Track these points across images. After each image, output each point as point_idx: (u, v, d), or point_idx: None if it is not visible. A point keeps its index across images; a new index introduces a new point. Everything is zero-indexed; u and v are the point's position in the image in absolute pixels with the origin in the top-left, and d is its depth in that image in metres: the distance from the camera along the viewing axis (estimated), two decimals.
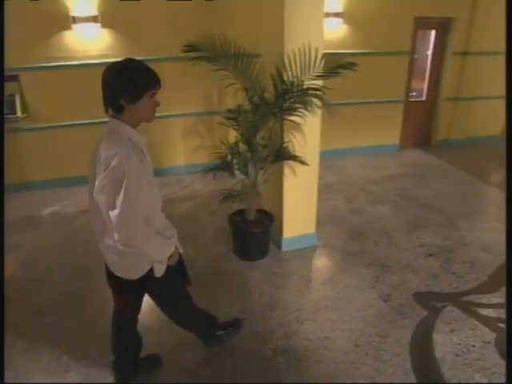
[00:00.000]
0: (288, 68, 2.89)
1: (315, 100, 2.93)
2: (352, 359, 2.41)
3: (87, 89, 4.85)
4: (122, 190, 1.47)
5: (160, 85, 1.61)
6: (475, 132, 7.23)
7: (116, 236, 1.56)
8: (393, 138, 6.68)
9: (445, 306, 2.81)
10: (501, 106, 7.33)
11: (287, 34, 2.88)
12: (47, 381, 2.30)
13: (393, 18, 5.90)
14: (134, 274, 1.77)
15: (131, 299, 1.96)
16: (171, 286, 1.96)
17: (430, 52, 6.71)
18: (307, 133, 3.20)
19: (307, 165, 3.16)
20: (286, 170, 3.28)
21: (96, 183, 1.53)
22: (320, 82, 3.00)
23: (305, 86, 2.87)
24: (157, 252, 1.75)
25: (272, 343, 2.53)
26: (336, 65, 2.82)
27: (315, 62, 2.83)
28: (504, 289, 3.14)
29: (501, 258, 3.56)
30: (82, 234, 3.97)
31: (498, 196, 5.09)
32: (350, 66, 2.77)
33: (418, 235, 3.92)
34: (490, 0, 6.34)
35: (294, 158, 3.11)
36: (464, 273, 3.32)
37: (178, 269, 1.96)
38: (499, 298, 2.90)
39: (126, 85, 1.53)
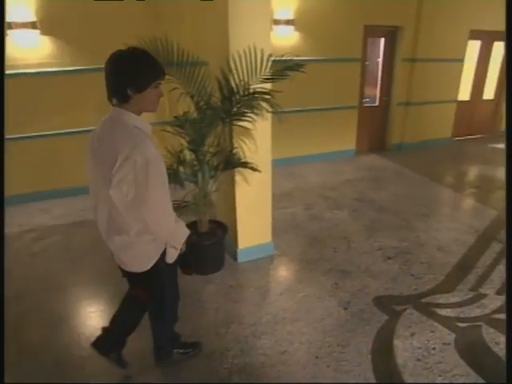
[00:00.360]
0: (234, 71, 2.78)
1: (264, 104, 2.85)
2: (312, 373, 2.28)
3: (30, 99, 4.58)
4: (149, 178, 1.49)
5: (165, 75, 1.63)
6: (427, 135, 7.44)
7: (145, 224, 1.61)
8: (349, 143, 6.74)
9: (405, 310, 2.75)
10: (449, 109, 7.62)
11: (232, 35, 2.77)
12: None
13: (343, 26, 5.99)
14: (146, 264, 1.78)
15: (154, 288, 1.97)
16: (173, 279, 2.03)
17: (380, 59, 6.86)
18: (258, 139, 3.09)
19: (259, 171, 3.04)
20: (238, 178, 3.14)
21: (115, 176, 1.51)
22: (268, 86, 2.92)
23: (252, 90, 2.77)
24: (181, 234, 1.81)
25: (227, 362, 2.36)
26: (283, 67, 2.74)
27: (262, 64, 2.74)
28: (461, 287, 3.14)
29: (456, 256, 3.59)
30: (23, 256, 3.65)
31: (451, 196, 5.20)
32: (297, 67, 2.69)
33: (376, 238, 3.88)
34: (433, 10, 6.59)
35: (244, 164, 2.98)
36: (422, 274, 3.30)
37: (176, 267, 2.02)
38: (457, 296, 2.88)
39: (134, 74, 1.52)
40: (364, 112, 6.82)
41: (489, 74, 8.22)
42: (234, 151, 3.02)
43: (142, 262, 1.78)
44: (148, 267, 1.79)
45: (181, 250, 1.88)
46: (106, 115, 1.65)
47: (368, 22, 6.22)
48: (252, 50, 2.71)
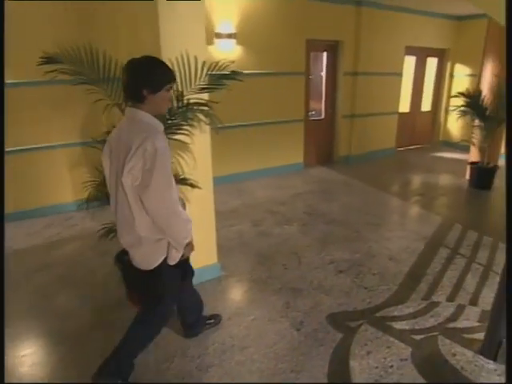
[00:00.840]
0: None
1: (201, 116, 2.66)
2: None
3: None
4: (155, 165, 1.62)
5: (175, 80, 1.85)
6: (373, 146, 7.60)
7: (154, 218, 1.73)
8: (297, 157, 6.70)
9: (359, 326, 2.61)
10: (392, 121, 7.85)
11: (164, 42, 2.57)
12: None
13: (286, 40, 6.00)
14: (151, 263, 1.88)
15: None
16: (173, 283, 2.06)
17: (323, 73, 6.94)
18: (197, 153, 2.88)
19: (199, 188, 2.83)
20: None
21: (127, 165, 1.64)
22: (206, 96, 2.74)
23: (187, 101, 2.58)
24: (181, 230, 1.85)
25: None
26: (219, 75, 2.58)
27: (196, 72, 2.57)
28: (415, 296, 3.08)
29: (407, 264, 3.55)
30: None
31: (399, 205, 5.25)
32: (234, 75, 2.54)
33: (327, 252, 3.77)
34: (370, 26, 6.80)
35: (182, 181, 2.76)
36: (375, 285, 3.20)
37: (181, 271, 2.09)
38: (411, 307, 2.79)
39: (150, 77, 1.72)
40: (310, 125, 6.84)
41: (425, 87, 8.60)
42: (171, 167, 2.79)
43: (149, 260, 1.89)
44: (153, 266, 1.89)
45: (183, 255, 1.96)
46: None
47: (310, 36, 6.29)
48: (185, 57, 2.53)
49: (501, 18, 1.60)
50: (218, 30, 5.41)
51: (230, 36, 5.48)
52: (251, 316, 2.80)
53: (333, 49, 6.83)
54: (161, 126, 1.83)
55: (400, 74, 7.74)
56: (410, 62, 8.08)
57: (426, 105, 8.79)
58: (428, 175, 6.64)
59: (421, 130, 8.84)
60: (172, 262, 1.92)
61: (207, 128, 2.83)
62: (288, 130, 6.42)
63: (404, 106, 8.24)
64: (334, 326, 2.70)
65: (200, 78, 2.58)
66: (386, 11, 7.03)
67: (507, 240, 1.82)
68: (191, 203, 2.95)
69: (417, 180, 6.49)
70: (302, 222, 4.51)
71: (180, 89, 2.58)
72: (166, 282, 2.00)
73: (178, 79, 2.57)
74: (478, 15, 7.76)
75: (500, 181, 6.03)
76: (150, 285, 2.00)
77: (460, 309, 2.75)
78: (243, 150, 5.97)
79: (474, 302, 3.06)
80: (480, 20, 7.74)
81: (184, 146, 2.78)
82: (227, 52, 5.49)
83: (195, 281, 3.17)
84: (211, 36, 5.35)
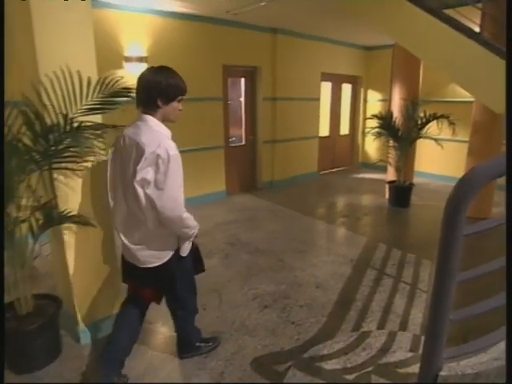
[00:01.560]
0: (47, 101, 2.17)
1: (95, 141, 2.27)
2: None
3: None
4: (168, 171, 1.78)
5: (186, 92, 1.98)
6: (295, 171, 7.57)
7: (164, 218, 1.84)
8: (219, 185, 6.41)
9: (287, 369, 2.31)
10: (313, 145, 7.94)
11: (41, 52, 2.16)
12: None
13: (201, 65, 5.79)
14: (163, 257, 2.00)
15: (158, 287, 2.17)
16: (188, 269, 2.20)
17: (242, 98, 6.83)
18: (90, 184, 2.46)
19: (93, 226, 2.39)
20: (68, 237, 2.44)
21: (141, 168, 1.77)
22: (99, 119, 2.37)
23: (76, 123, 2.18)
24: (193, 227, 2.00)
25: None
26: (109, 93, 2.23)
27: (82, 90, 2.19)
28: (345, 326, 2.88)
29: (335, 291, 3.36)
30: None
31: (324, 228, 5.15)
32: (125, 92, 2.21)
33: (251, 285, 3.46)
34: (286, 53, 6.89)
35: (73, 219, 2.31)
36: (303, 319, 2.95)
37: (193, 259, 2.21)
38: (341, 342, 2.55)
39: (166, 89, 1.87)
40: (231, 152, 6.63)
41: (342, 112, 8.90)
42: (58, 202, 2.34)
43: (159, 255, 2.00)
44: (164, 260, 2.01)
45: (193, 243, 2.15)
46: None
47: (227, 61, 6.17)
48: (67, 73, 2.16)
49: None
50: (127, 53, 5.06)
51: (140, 59, 5.14)
52: (164, 371, 2.37)
53: (251, 74, 6.78)
54: (169, 132, 1.95)
55: (318, 99, 7.91)
56: (326, 88, 8.31)
57: (344, 128, 9.08)
58: (351, 196, 6.72)
59: (341, 153, 9.08)
60: (184, 253, 2.08)
61: (104, 155, 2.44)
62: (208, 157, 6.15)
63: (324, 130, 8.42)
64: (260, 372, 2.38)
65: (87, 97, 2.22)
66: (302, 39, 7.18)
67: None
68: (88, 244, 2.50)
69: (340, 202, 6.52)
70: (223, 253, 4.19)
71: (64, 110, 2.18)
72: (179, 274, 2.13)
73: (60, 98, 2.19)
74: (384, 46, 8.26)
75: (417, 198, 6.25)
76: (160, 280, 2.11)
77: (391, 337, 2.57)
78: None
79: (404, 325, 2.94)
80: (386, 50, 8.25)
81: (74, 176, 2.36)
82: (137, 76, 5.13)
83: (98, 335, 2.70)
84: (120, 59, 5.00)
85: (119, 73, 4.84)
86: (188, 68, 5.68)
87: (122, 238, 2.01)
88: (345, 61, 8.41)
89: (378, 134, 6.01)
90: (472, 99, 5.56)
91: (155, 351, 2.59)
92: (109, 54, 4.80)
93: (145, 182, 1.79)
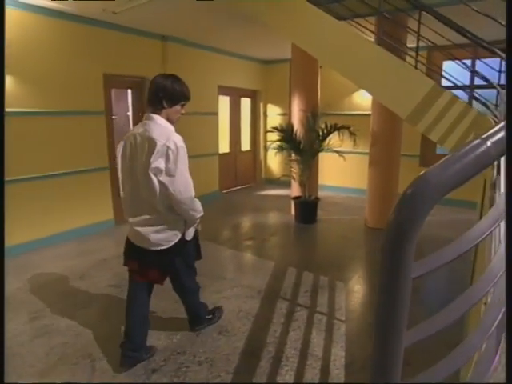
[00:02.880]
0: None
1: None
2: None
3: None
4: (178, 160, 2.10)
5: (189, 99, 2.35)
6: (196, 191, 6.89)
7: (177, 200, 2.15)
8: (105, 213, 5.46)
9: None
10: (213, 162, 7.40)
11: None
12: None
13: (75, 72, 4.88)
14: (172, 240, 2.29)
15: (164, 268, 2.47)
16: (191, 253, 2.54)
17: (130, 113, 6.04)
18: None
19: None
20: None
21: (154, 158, 2.07)
22: None
23: None
24: (200, 211, 2.32)
25: None
26: None
27: None
28: (256, 380, 2.27)
29: (242, 336, 2.76)
30: None
31: (229, 254, 4.55)
32: None
33: None
34: (179, 62, 6.31)
35: None
36: (203, 379, 2.30)
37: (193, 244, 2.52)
38: None
39: (172, 92, 2.22)
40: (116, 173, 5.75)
41: (242, 127, 8.53)
42: None
43: (169, 237, 2.28)
44: (172, 243, 2.29)
45: (196, 231, 2.45)
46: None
47: (108, 70, 5.35)
48: None
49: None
50: None
51: None
52: None
53: (139, 86, 6.02)
54: (173, 128, 2.26)
55: (216, 114, 7.43)
56: (224, 102, 7.88)
57: (246, 144, 8.71)
58: (256, 215, 6.26)
59: (243, 170, 8.66)
60: (189, 237, 2.38)
61: None
62: (91, 181, 5.21)
63: (224, 147, 7.93)
64: None
65: None
66: (195, 49, 6.66)
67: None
68: None
69: (245, 222, 6.02)
70: (105, 300, 3.34)
71: None
72: (185, 256, 2.47)
73: None
74: (282, 60, 8.14)
75: (323, 212, 6.02)
76: (170, 260, 2.40)
77: None
78: (31, 211, 4.50)
79: (325, 370, 2.46)
80: (283, 64, 8.13)
81: None
82: None
83: None
84: None
85: None
86: (62, 75, 4.79)
87: (134, 223, 2.27)
88: (243, 74, 8.09)
89: (280, 148, 5.69)
90: (369, 112, 5.52)
91: None
92: None
93: (157, 171, 2.08)
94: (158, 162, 2.07)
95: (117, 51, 5.41)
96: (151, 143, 2.09)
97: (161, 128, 2.15)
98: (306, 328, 2.93)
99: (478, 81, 3.60)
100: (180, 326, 2.90)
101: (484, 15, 2.65)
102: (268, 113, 8.91)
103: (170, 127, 2.22)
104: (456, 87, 3.12)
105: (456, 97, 2.71)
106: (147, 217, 2.23)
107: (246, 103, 8.61)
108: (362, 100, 7.23)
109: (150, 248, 2.27)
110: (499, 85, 3.30)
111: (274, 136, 5.77)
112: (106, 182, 5.44)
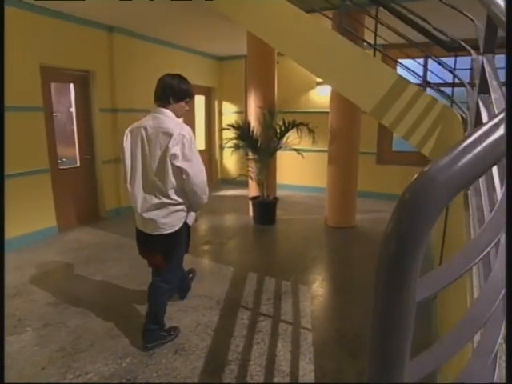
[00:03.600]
0: None
1: None
2: None
3: None
4: (192, 147, 2.36)
5: (193, 97, 2.77)
6: None
7: (193, 183, 2.37)
8: (46, 219, 4.94)
9: None
10: None
11: None
12: None
13: (10, 64, 4.34)
14: (177, 225, 2.49)
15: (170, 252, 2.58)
16: (185, 241, 2.68)
17: (73, 109, 5.54)
18: None
19: None
20: None
21: (172, 146, 2.30)
22: None
23: None
24: (207, 195, 2.51)
25: None
26: None
27: None
28: None
29: (201, 354, 2.47)
30: None
31: (185, 261, 4.22)
32: None
33: (78, 368, 2.35)
34: (128, 56, 5.89)
35: None
36: None
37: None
38: None
39: (178, 91, 2.44)
40: (62, 176, 5.23)
41: (197, 126, 8.19)
42: None
43: (175, 222, 2.48)
44: (178, 227, 2.49)
45: (197, 214, 2.67)
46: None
47: (46, 61, 4.84)
48: None
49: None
50: None
51: None
52: None
53: (83, 80, 5.54)
54: (180, 119, 2.53)
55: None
56: None
57: (200, 143, 8.38)
58: (213, 217, 5.97)
59: None
60: (192, 222, 2.62)
61: None
62: (29, 184, 4.67)
63: None
64: None
65: None
66: (146, 42, 6.25)
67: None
68: None
69: (201, 225, 5.70)
70: (42, 321, 2.90)
71: None
72: (183, 239, 2.63)
73: None
74: (237, 56, 7.87)
75: (282, 212, 5.84)
76: (172, 245, 2.55)
77: None
78: None
79: None
80: (239, 60, 7.89)
81: None
82: None
83: None
84: None
85: None
86: None
87: (143, 210, 2.45)
88: (196, 71, 7.75)
89: (236, 147, 5.44)
90: (327, 110, 5.40)
91: None
92: None
93: (174, 157, 2.31)
94: (175, 149, 2.30)
95: (56, 41, 4.91)
96: (167, 133, 2.32)
97: (172, 120, 2.41)
98: (270, 340, 2.71)
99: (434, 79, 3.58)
100: (130, 346, 2.57)
101: (452, 8, 2.54)
102: (223, 111, 8.63)
103: (179, 120, 2.48)
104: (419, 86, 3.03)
105: (422, 90, 2.59)
106: (157, 201, 2.41)
107: (200, 101, 8.28)
108: (320, 97, 7.15)
109: (156, 233, 2.46)
110: (453, 83, 3.26)
111: (229, 134, 5.51)
112: (46, 186, 4.92)
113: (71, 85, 5.47)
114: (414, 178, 0.57)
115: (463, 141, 0.63)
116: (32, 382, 2.25)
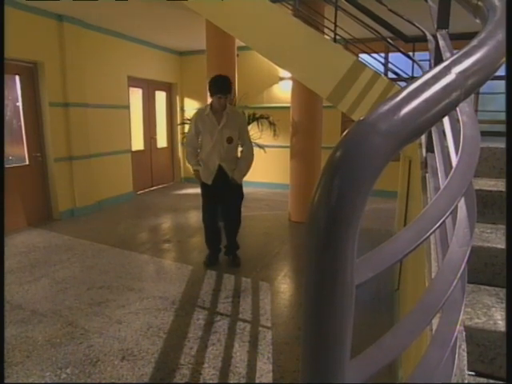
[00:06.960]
0: None
1: None
2: None
3: None
4: (246, 132, 3.61)
5: (225, 93, 3.36)
6: (105, 193, 6.21)
7: (249, 153, 3.62)
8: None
9: None
10: (125, 161, 6.72)
11: None
12: None
13: None
14: (240, 180, 3.66)
15: None
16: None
17: (20, 103, 5.18)
18: None
19: None
20: None
21: (235, 131, 3.49)
22: None
23: None
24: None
25: None
26: None
27: None
28: None
29: (151, 358, 2.29)
30: None
31: (140, 262, 4.00)
32: None
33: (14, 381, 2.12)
34: (80, 48, 5.60)
35: None
36: None
37: None
38: None
39: (211, 87, 3.38)
40: (9, 176, 4.86)
41: (158, 123, 7.93)
42: None
43: (240, 179, 3.62)
44: (241, 182, 3.67)
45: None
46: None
47: None
48: None
49: None
50: None
51: None
52: None
53: (31, 72, 5.20)
54: None
55: (127, 107, 6.76)
56: (137, 95, 7.24)
57: (162, 141, 8.12)
58: (174, 216, 5.76)
59: (160, 169, 8.06)
60: (241, 181, 3.68)
61: None
62: None
63: (138, 143, 7.29)
64: None
65: None
66: (100, 34, 5.96)
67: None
68: None
69: (162, 224, 5.48)
70: None
71: None
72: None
73: None
74: (198, 51, 7.66)
75: (245, 209, 5.67)
76: (239, 193, 3.73)
77: None
78: None
79: None
80: (199, 56, 7.67)
81: None
82: None
83: None
84: None
85: None
86: None
87: (216, 166, 3.53)
88: (157, 65, 7.50)
89: None
90: (289, 104, 5.30)
91: None
92: None
93: (236, 137, 3.49)
94: (238, 133, 3.50)
95: None
96: (232, 120, 3.46)
97: (224, 109, 3.43)
98: (226, 340, 2.56)
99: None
100: (73, 354, 2.36)
101: None
102: (185, 107, 8.40)
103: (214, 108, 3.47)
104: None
105: (378, 74, 2.51)
106: (225, 164, 3.50)
107: (161, 97, 8.02)
108: (283, 92, 7.06)
109: (231, 181, 3.57)
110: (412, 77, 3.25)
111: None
112: None
113: (17, 77, 5.12)
114: (348, 130, 0.44)
115: (410, 84, 0.51)
116: None
